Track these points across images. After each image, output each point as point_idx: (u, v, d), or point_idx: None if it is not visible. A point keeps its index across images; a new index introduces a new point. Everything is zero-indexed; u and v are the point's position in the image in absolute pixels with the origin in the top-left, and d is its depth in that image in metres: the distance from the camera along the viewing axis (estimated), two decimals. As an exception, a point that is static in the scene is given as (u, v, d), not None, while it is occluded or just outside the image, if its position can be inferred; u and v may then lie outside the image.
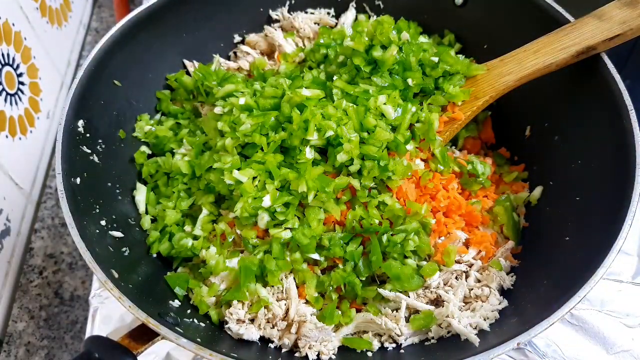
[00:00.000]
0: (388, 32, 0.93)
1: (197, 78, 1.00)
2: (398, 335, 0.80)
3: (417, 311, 0.82)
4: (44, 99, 1.23)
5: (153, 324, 0.67)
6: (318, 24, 1.12)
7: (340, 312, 0.82)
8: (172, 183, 0.92)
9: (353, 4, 1.12)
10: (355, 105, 0.87)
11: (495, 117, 1.03)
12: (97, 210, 0.83)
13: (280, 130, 0.85)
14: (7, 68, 1.07)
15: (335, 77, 0.94)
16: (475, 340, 0.74)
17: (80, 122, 0.85)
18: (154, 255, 0.88)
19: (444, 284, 0.84)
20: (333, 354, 0.78)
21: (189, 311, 0.81)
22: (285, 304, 0.81)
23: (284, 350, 0.79)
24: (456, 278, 0.84)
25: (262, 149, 0.85)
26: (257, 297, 0.81)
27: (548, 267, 0.83)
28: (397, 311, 0.82)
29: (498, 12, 1.01)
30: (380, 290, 0.82)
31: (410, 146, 0.88)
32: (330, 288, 0.82)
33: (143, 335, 0.70)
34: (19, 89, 1.12)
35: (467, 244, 0.88)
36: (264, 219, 0.82)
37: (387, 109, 0.87)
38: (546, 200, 0.92)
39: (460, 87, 0.93)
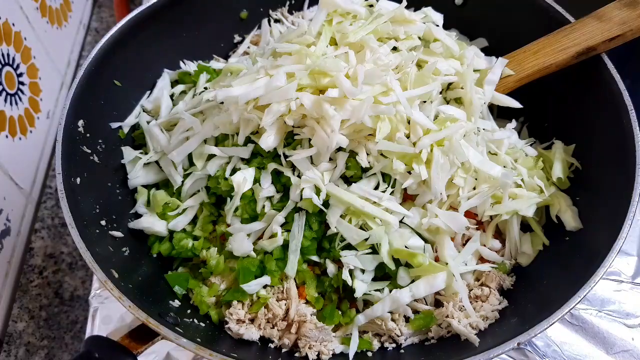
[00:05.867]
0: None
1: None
2: (398, 336, 0.80)
3: (417, 311, 0.82)
4: (44, 99, 1.24)
5: (153, 324, 0.67)
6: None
7: (340, 312, 0.82)
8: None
9: (353, 4, 1.12)
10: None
11: (494, 118, 1.03)
12: (97, 210, 0.83)
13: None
14: (7, 68, 1.07)
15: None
16: (475, 340, 0.74)
17: (80, 122, 0.85)
18: (154, 255, 0.88)
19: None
20: (333, 354, 0.79)
21: (189, 311, 0.81)
22: (285, 304, 0.81)
23: (284, 350, 0.79)
24: (456, 278, 0.84)
25: (261, 155, 0.85)
26: (257, 297, 0.81)
27: (548, 267, 0.83)
28: (397, 311, 0.82)
29: (498, 13, 1.01)
30: (380, 290, 0.82)
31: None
32: (330, 288, 0.83)
33: (143, 335, 0.70)
34: (19, 89, 1.12)
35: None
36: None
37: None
38: (546, 200, 0.92)
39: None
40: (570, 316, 0.93)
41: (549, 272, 0.82)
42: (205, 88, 0.98)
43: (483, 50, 0.98)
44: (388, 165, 0.80)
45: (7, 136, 1.07)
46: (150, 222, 0.87)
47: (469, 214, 0.85)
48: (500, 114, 0.98)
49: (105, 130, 0.92)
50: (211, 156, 0.87)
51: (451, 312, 0.79)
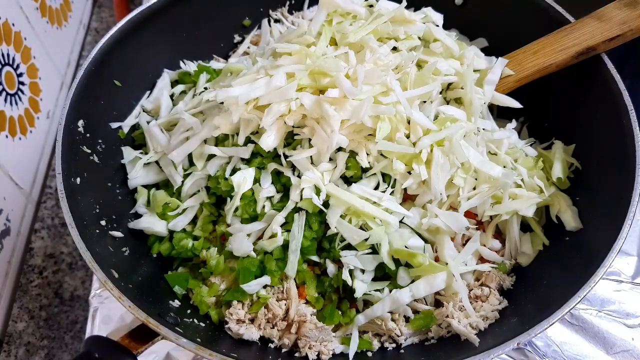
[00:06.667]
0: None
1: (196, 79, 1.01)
2: (398, 336, 0.80)
3: (417, 311, 0.82)
4: (44, 99, 1.24)
5: (153, 324, 0.67)
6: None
7: (340, 312, 0.82)
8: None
9: (353, 4, 1.12)
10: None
11: (494, 118, 1.03)
12: (97, 210, 0.83)
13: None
14: (7, 68, 1.07)
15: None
16: (475, 340, 0.74)
17: (80, 122, 0.85)
18: (154, 255, 0.88)
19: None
20: (333, 354, 0.79)
21: (189, 311, 0.81)
22: (285, 304, 0.81)
23: (284, 350, 0.79)
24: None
25: (261, 155, 0.85)
26: (257, 297, 0.81)
27: (548, 267, 0.83)
28: (397, 311, 0.82)
29: (498, 13, 1.01)
30: (380, 291, 0.82)
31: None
32: (330, 288, 0.83)
33: (143, 335, 0.70)
34: (19, 89, 1.12)
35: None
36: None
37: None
38: (546, 200, 0.92)
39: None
40: (570, 316, 0.93)
41: (549, 272, 0.82)
42: (205, 88, 0.98)
43: (483, 50, 0.98)
44: (388, 166, 0.80)
45: (7, 136, 1.07)
46: (150, 222, 0.87)
47: (469, 214, 0.85)
48: (500, 114, 0.98)
49: (105, 130, 0.92)
50: (211, 156, 0.87)
51: (451, 312, 0.79)
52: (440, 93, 0.89)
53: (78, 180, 0.81)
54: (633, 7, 0.85)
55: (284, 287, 0.82)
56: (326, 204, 0.80)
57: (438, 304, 0.83)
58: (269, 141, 0.81)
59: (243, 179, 0.82)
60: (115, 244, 0.82)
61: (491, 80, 0.90)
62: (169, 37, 1.02)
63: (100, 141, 0.89)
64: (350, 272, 0.80)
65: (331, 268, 0.82)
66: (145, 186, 0.93)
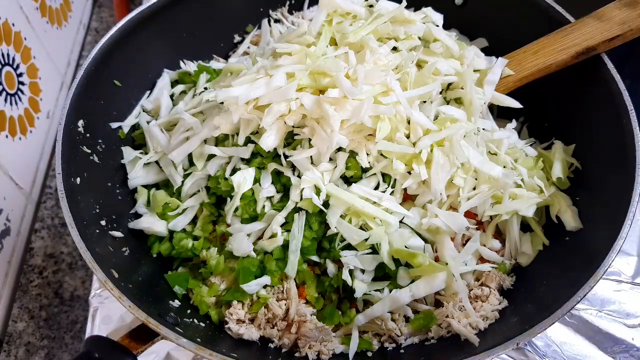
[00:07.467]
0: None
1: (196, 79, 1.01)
2: (398, 336, 0.80)
3: (417, 311, 0.82)
4: (44, 99, 1.24)
5: (153, 324, 0.67)
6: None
7: (340, 312, 0.82)
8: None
9: (353, 4, 1.12)
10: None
11: (494, 118, 1.03)
12: (97, 210, 0.83)
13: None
14: (7, 68, 1.07)
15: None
16: (475, 340, 0.74)
17: (80, 122, 0.85)
18: (154, 255, 0.88)
19: (444, 284, 0.84)
20: (333, 354, 0.79)
21: (189, 311, 0.82)
22: (285, 304, 0.81)
23: (284, 350, 0.79)
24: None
25: (261, 155, 0.85)
26: (257, 297, 0.81)
27: (548, 267, 0.83)
28: (397, 311, 0.82)
29: (498, 13, 1.01)
30: (380, 291, 0.82)
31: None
32: (330, 288, 0.82)
33: (143, 335, 0.70)
34: (19, 89, 1.12)
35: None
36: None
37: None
38: (546, 200, 0.92)
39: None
40: (570, 316, 0.93)
41: (549, 272, 0.82)
42: (205, 88, 0.98)
43: (483, 50, 0.98)
44: (388, 166, 0.80)
45: (7, 136, 1.07)
46: (150, 222, 0.87)
47: (469, 214, 0.85)
48: (500, 114, 0.98)
49: (105, 130, 0.92)
50: (211, 156, 0.87)
51: (451, 312, 0.79)
52: (440, 93, 0.89)
53: (78, 180, 0.81)
54: (633, 7, 0.85)
55: (284, 287, 0.82)
56: (326, 204, 0.80)
57: (438, 304, 0.83)
58: (269, 141, 0.81)
59: (243, 179, 0.82)
60: (115, 244, 0.82)
61: (491, 80, 0.90)
62: (169, 37, 1.02)
63: (100, 141, 0.89)
64: (350, 272, 0.80)
65: (331, 268, 0.82)
66: (145, 186, 0.93)
